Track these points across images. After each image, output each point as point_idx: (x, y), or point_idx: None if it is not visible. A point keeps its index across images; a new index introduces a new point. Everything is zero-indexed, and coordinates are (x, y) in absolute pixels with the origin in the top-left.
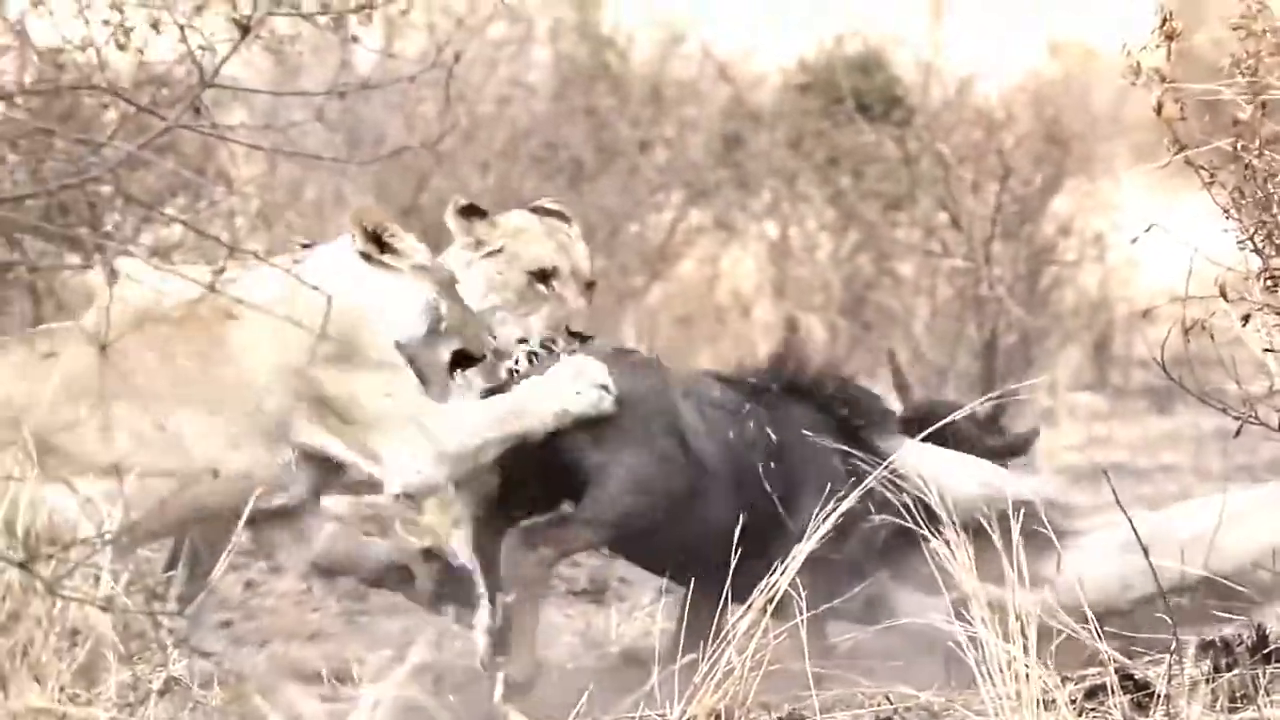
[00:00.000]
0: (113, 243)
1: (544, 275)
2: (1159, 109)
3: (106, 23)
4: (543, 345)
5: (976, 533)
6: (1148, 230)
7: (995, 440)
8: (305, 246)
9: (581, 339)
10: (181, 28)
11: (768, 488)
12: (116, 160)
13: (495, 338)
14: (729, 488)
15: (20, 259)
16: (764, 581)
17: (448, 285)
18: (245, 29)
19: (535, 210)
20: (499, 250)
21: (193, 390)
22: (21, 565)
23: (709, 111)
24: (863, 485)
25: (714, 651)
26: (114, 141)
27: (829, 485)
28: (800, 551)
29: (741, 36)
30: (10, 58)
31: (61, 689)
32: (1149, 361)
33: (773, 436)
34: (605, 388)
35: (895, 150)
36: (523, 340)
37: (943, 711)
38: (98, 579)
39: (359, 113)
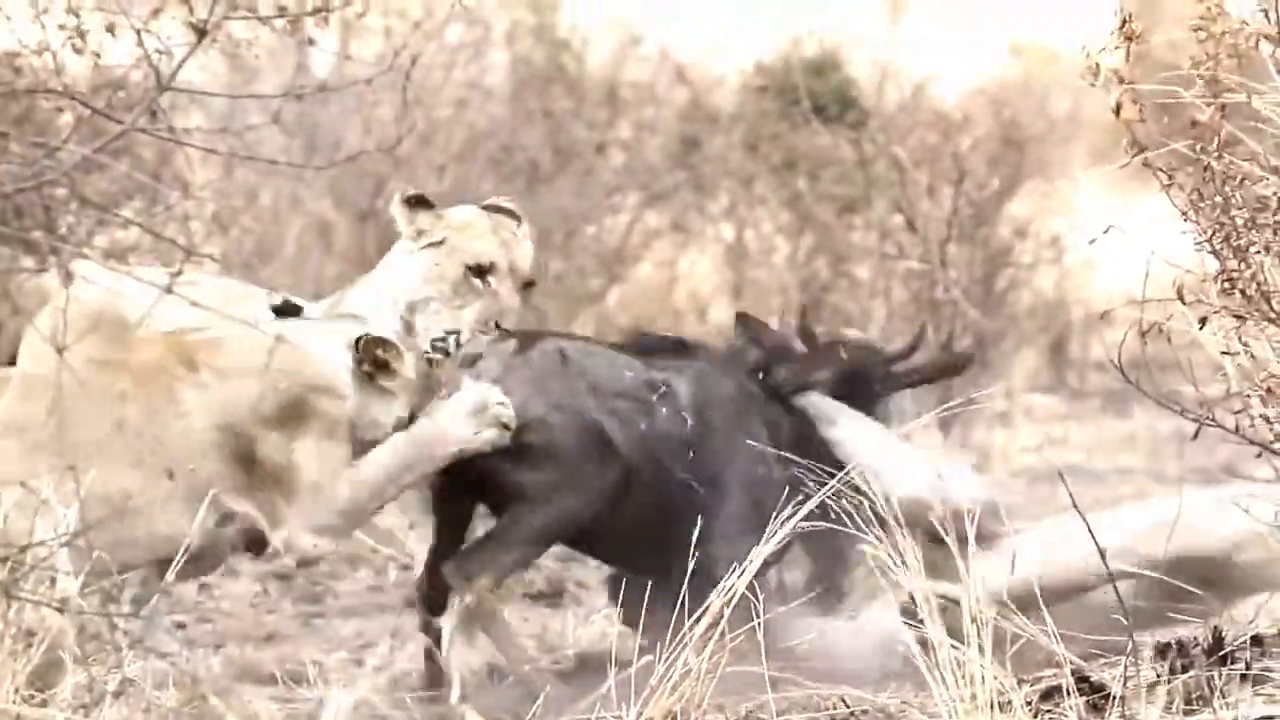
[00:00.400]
0: (68, 245)
1: (481, 270)
2: (1117, 110)
3: (63, 27)
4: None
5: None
6: (1105, 232)
7: (930, 362)
8: (281, 310)
9: (508, 334)
10: (138, 31)
11: (685, 477)
12: (72, 163)
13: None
14: (649, 479)
15: None
16: (721, 583)
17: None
18: (202, 33)
19: (487, 208)
20: (440, 242)
21: (132, 448)
22: None
23: (666, 114)
24: (822, 492)
25: (670, 653)
26: (70, 145)
27: (758, 467)
28: (759, 554)
29: (698, 39)
30: None
31: (17, 690)
32: (1105, 364)
33: (689, 420)
34: (506, 425)
35: (851, 153)
36: (452, 332)
37: (898, 714)
38: (53, 581)
39: (316, 117)
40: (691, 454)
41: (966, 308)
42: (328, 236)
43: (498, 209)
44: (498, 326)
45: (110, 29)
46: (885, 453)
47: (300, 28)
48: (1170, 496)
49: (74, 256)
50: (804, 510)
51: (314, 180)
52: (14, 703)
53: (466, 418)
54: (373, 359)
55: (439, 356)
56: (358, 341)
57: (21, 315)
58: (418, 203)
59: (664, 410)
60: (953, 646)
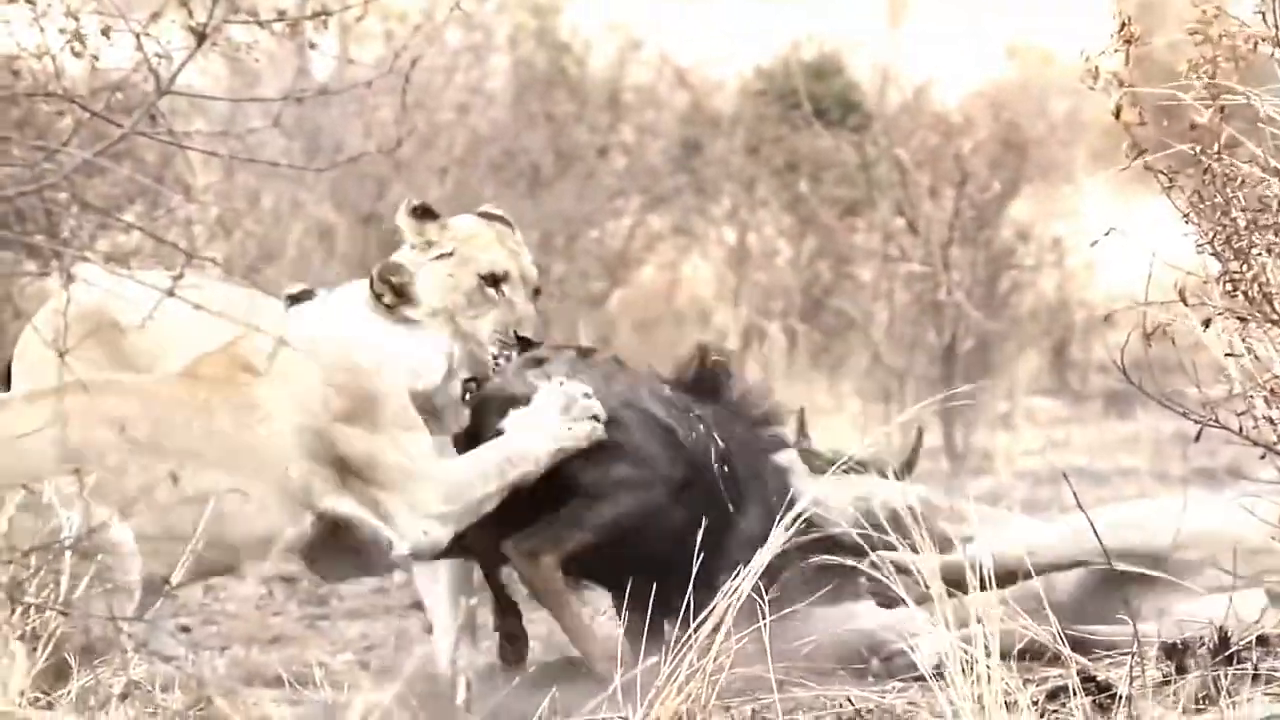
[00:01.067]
0: (69, 249)
1: (494, 280)
2: (1117, 113)
3: (62, 30)
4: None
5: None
6: (1106, 234)
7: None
8: (296, 297)
9: (529, 344)
10: (137, 35)
11: (722, 489)
12: (73, 166)
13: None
14: (686, 490)
15: None
16: (726, 585)
17: (457, 325)
18: (201, 36)
19: (482, 215)
20: (450, 254)
21: (227, 454)
22: None
23: (667, 117)
24: (818, 504)
25: (676, 655)
26: (70, 148)
27: (774, 498)
28: (763, 557)
29: (699, 43)
30: None
31: (23, 693)
32: (1108, 365)
33: (719, 441)
34: (596, 417)
35: (853, 155)
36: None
37: (905, 714)
38: (58, 584)
39: (317, 120)
40: (725, 469)
41: (969, 310)
42: (329, 239)
43: (491, 217)
44: (516, 336)
45: (105, 32)
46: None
47: (300, 31)
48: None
49: (76, 260)
50: (806, 512)
51: (315, 184)
52: (20, 705)
53: (559, 415)
54: (390, 287)
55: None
56: (371, 278)
57: (23, 319)
58: (424, 213)
59: (700, 427)
60: (960, 646)
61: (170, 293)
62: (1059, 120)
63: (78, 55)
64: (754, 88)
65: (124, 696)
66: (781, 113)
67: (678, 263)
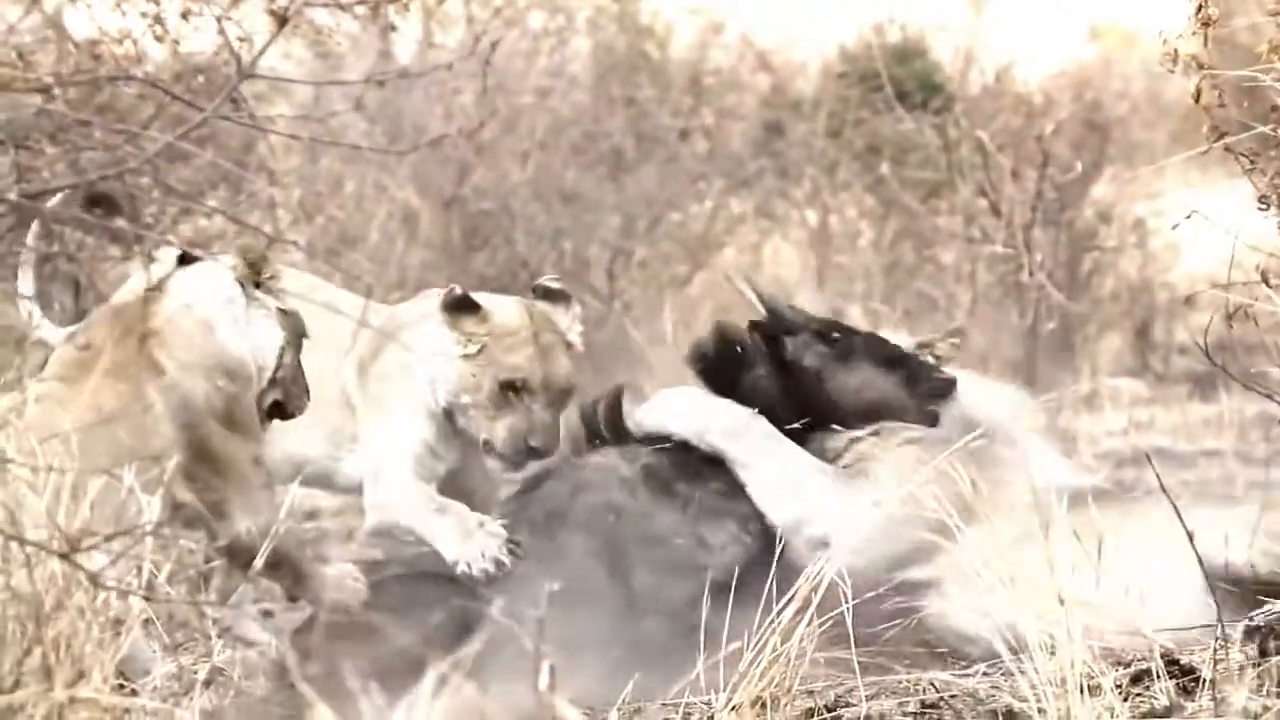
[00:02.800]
0: (152, 233)
1: (514, 386)
2: (1197, 96)
3: (144, 15)
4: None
5: None
6: (1188, 217)
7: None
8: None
9: (540, 454)
10: (218, 19)
11: None
12: (154, 150)
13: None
14: None
15: (60, 250)
16: (809, 569)
17: (295, 337)
18: (283, 20)
19: (536, 291)
20: (479, 350)
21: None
22: (63, 556)
23: (749, 100)
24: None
25: (759, 639)
26: (151, 132)
27: None
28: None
29: (781, 25)
30: (48, 50)
31: (105, 680)
32: (1190, 347)
33: None
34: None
35: (935, 138)
36: (487, 444)
37: (988, 698)
38: (140, 569)
39: (399, 105)
40: None
41: (1051, 291)
42: (412, 224)
43: (548, 292)
44: (528, 446)
45: (184, 15)
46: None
47: (381, 14)
48: None
49: (158, 245)
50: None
51: (398, 168)
52: (104, 692)
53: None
54: (249, 264)
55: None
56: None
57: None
58: (463, 304)
59: None
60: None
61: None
62: (1141, 101)
63: (159, 39)
64: (836, 70)
65: (208, 683)
66: (863, 95)
67: (760, 245)
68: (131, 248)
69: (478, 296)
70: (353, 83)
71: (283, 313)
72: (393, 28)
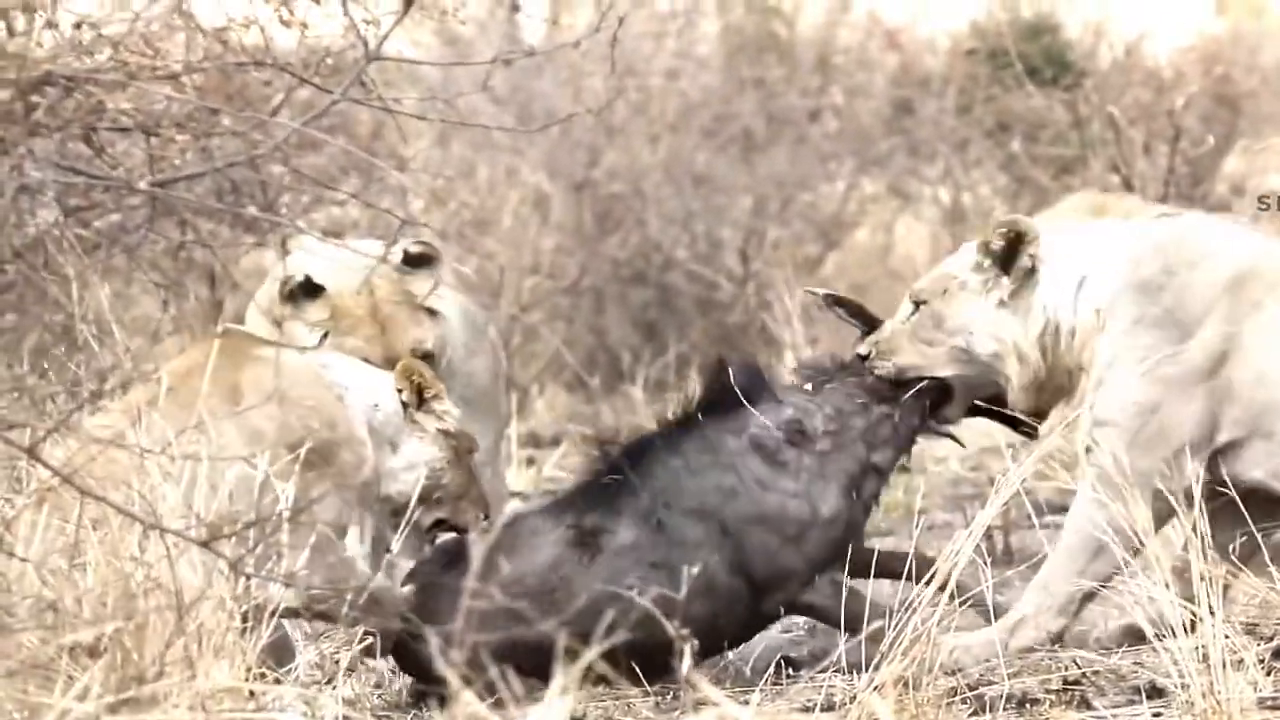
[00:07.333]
0: (284, 221)
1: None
2: None
3: (268, 0)
4: None
5: None
6: None
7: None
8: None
9: None
10: (344, 1)
11: None
12: (284, 136)
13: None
14: None
15: (194, 238)
16: (946, 549)
17: (461, 456)
18: (409, 2)
19: (403, 256)
20: (322, 339)
21: None
22: (204, 545)
23: (878, 79)
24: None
25: (900, 619)
26: (280, 119)
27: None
28: (982, 520)
29: (909, 2)
30: (176, 38)
31: (249, 669)
32: None
33: None
34: None
35: (1065, 114)
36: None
37: (1130, 674)
38: (280, 556)
39: (528, 89)
40: None
41: None
42: (543, 208)
43: (410, 258)
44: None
45: None
46: None
47: None
48: None
49: (292, 232)
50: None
51: (529, 152)
52: (247, 680)
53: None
54: (413, 386)
55: None
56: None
57: (240, 292)
58: (305, 290)
59: None
60: (1183, 605)
61: (384, 259)
62: (1271, 73)
63: (286, 25)
64: (965, 47)
65: (351, 670)
66: (993, 72)
67: (892, 224)
68: (265, 236)
69: (321, 275)
70: (480, 63)
71: (446, 434)
72: (515, 7)
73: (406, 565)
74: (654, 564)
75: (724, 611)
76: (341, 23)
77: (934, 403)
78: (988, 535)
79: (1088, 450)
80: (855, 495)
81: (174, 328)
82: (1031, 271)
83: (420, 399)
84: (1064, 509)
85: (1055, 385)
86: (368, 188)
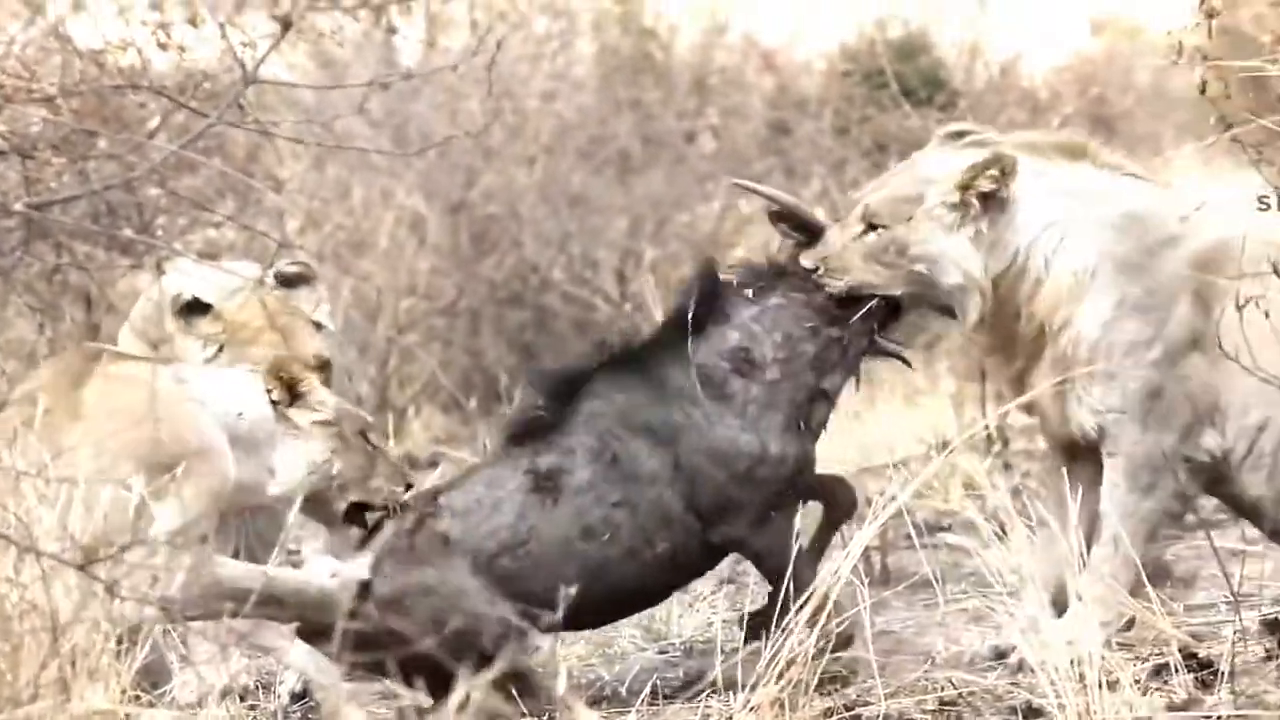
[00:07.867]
0: (160, 243)
1: None
2: (1203, 88)
3: (145, 23)
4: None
5: None
6: (1197, 209)
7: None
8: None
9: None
10: (222, 25)
11: None
12: (161, 159)
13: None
14: None
15: (68, 260)
16: (824, 569)
17: (353, 435)
18: (286, 24)
19: (278, 278)
20: (218, 352)
21: None
22: (79, 568)
23: (754, 100)
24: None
25: (776, 641)
26: (157, 141)
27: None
28: (860, 541)
29: (784, 24)
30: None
31: (123, 691)
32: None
33: None
34: None
35: None
36: None
37: (1006, 695)
38: (155, 580)
39: (404, 112)
40: None
41: None
42: (420, 230)
43: (287, 278)
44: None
45: (191, 20)
46: None
47: (385, 17)
48: None
49: (168, 255)
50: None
51: (405, 174)
52: (121, 703)
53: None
54: (283, 384)
55: None
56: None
57: (115, 314)
58: (190, 309)
59: None
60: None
61: (260, 282)
62: (1146, 93)
63: (163, 48)
64: (840, 68)
65: (225, 694)
66: (868, 93)
67: (769, 245)
68: (141, 258)
69: (203, 294)
70: (357, 85)
71: (325, 424)
72: (391, 30)
73: (327, 559)
74: (615, 503)
75: (681, 548)
76: (218, 46)
77: (881, 321)
78: (865, 556)
79: (1110, 455)
80: (804, 425)
81: (49, 350)
82: (1005, 204)
83: (292, 395)
84: (941, 529)
85: (1005, 331)
86: (244, 210)
